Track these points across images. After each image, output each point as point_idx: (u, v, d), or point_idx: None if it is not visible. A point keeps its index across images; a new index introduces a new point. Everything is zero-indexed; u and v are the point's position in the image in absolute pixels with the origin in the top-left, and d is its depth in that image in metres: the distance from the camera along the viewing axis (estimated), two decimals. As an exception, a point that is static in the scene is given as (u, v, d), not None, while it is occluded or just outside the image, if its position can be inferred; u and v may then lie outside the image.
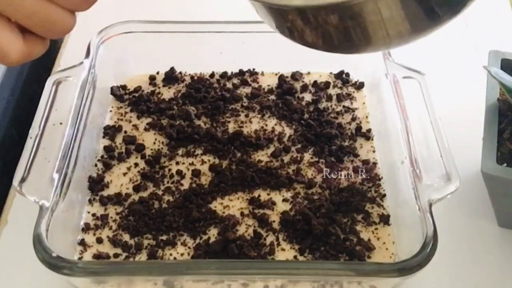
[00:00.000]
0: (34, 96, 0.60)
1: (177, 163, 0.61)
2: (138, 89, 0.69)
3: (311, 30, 0.40)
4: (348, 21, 0.39)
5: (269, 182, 0.59)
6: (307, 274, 0.47)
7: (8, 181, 0.53)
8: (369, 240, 0.55)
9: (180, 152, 0.62)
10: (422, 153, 0.53)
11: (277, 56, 0.68)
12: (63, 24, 0.38)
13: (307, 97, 0.68)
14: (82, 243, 0.54)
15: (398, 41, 0.41)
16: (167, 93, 0.69)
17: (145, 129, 0.65)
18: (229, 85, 0.70)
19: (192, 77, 0.70)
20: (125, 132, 0.64)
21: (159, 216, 0.56)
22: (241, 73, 0.71)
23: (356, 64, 0.69)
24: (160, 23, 0.67)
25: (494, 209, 0.58)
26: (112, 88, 0.68)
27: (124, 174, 0.60)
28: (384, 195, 0.58)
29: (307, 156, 0.62)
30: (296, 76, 0.70)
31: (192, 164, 0.61)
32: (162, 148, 0.63)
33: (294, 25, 0.41)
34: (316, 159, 0.61)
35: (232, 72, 0.71)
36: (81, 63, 0.61)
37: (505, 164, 0.53)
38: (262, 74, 0.71)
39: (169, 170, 0.60)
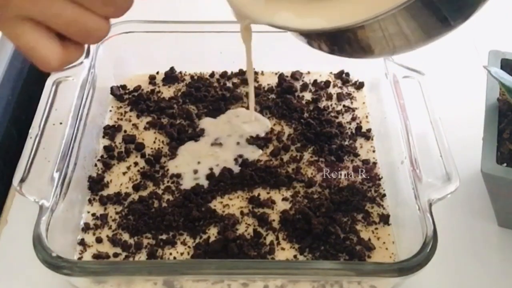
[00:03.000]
0: (34, 96, 0.60)
1: (177, 162, 0.61)
2: (137, 88, 0.69)
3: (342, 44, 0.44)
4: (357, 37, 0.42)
5: (268, 181, 0.59)
6: (307, 274, 0.47)
7: (8, 181, 0.53)
8: (369, 239, 0.55)
9: (180, 151, 0.62)
10: (422, 153, 0.53)
11: (277, 56, 0.68)
12: (99, 31, 0.39)
13: (307, 96, 0.68)
14: (82, 243, 0.54)
15: (405, 49, 0.43)
16: (167, 92, 0.69)
17: (145, 128, 0.65)
18: (229, 84, 0.70)
19: (192, 77, 0.70)
20: (125, 131, 0.64)
21: (158, 215, 0.56)
22: (241, 72, 0.71)
23: (356, 64, 0.69)
24: (160, 23, 0.67)
25: (494, 209, 0.58)
26: (112, 88, 0.68)
27: (124, 173, 0.60)
28: (384, 195, 0.58)
29: (306, 155, 0.62)
30: (296, 75, 0.70)
31: (192, 163, 0.61)
32: (162, 148, 0.63)
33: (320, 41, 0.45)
34: (316, 158, 0.61)
35: (232, 72, 0.71)
36: (81, 63, 0.61)
37: (505, 164, 0.53)
38: (262, 73, 0.71)
39: (169, 169, 0.60)
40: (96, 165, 0.61)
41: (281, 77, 0.69)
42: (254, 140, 0.63)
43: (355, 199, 0.57)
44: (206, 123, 0.65)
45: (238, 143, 0.63)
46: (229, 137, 0.63)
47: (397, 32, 0.42)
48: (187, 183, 0.59)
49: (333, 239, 0.54)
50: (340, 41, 0.44)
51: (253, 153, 0.62)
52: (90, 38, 0.40)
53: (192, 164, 0.61)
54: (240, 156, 0.61)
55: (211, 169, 0.60)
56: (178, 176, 0.59)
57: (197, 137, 0.63)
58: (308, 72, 0.71)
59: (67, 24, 0.38)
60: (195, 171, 0.60)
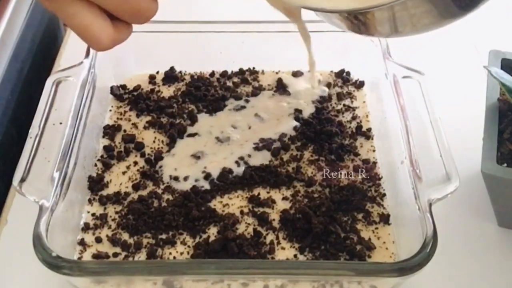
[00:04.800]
0: (34, 96, 0.60)
1: (177, 162, 0.61)
2: (137, 88, 0.69)
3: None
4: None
5: (268, 180, 0.59)
6: (307, 273, 0.47)
7: (8, 181, 0.53)
8: (369, 239, 0.55)
9: (180, 151, 0.62)
10: (422, 153, 0.53)
11: (277, 55, 0.68)
12: (148, 10, 0.41)
13: (307, 95, 0.68)
14: (82, 242, 0.54)
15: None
16: (167, 92, 0.69)
17: (145, 128, 0.65)
18: (229, 83, 0.70)
19: (192, 76, 0.70)
20: (125, 131, 0.64)
21: (158, 215, 0.56)
22: (241, 72, 0.71)
23: (357, 63, 0.69)
24: (160, 23, 0.66)
25: (494, 209, 0.58)
26: (112, 88, 0.68)
27: (124, 173, 0.60)
28: (384, 195, 0.58)
29: (307, 154, 0.62)
30: (296, 74, 0.70)
31: (192, 163, 0.61)
32: (162, 147, 0.63)
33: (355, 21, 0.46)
34: (316, 157, 0.61)
35: (232, 71, 0.71)
36: (81, 62, 0.61)
37: (505, 164, 0.53)
38: (263, 72, 0.71)
39: (164, 170, 0.60)
40: (96, 165, 0.61)
41: (279, 81, 0.69)
42: (262, 143, 0.63)
43: (356, 199, 0.57)
44: (205, 121, 0.65)
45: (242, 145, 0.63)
46: (228, 136, 0.64)
47: (425, 10, 0.43)
48: (186, 183, 0.59)
49: (333, 238, 0.54)
50: (372, 20, 0.45)
51: (257, 158, 0.61)
52: (140, 18, 0.41)
53: (191, 163, 0.61)
54: (241, 158, 0.61)
55: (205, 169, 0.60)
56: (177, 178, 0.59)
57: (195, 135, 0.63)
58: (309, 71, 0.71)
59: (118, 4, 0.39)
60: (195, 171, 0.60)
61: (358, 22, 0.46)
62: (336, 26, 0.48)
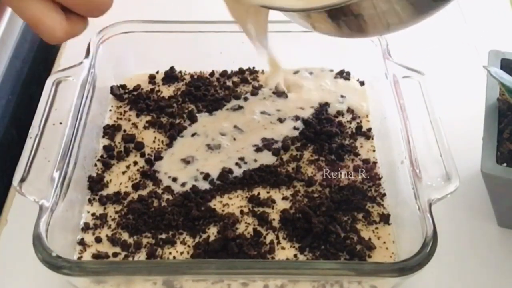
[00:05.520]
0: (34, 96, 0.60)
1: (177, 162, 0.61)
2: (137, 87, 0.69)
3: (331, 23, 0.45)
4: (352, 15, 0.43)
5: (268, 180, 0.59)
6: (307, 273, 0.47)
7: (8, 181, 0.53)
8: (369, 239, 0.55)
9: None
10: (422, 153, 0.53)
11: (277, 56, 0.68)
12: (102, 4, 0.41)
13: (307, 95, 0.68)
14: (82, 242, 0.54)
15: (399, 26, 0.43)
16: (167, 92, 0.69)
17: (144, 128, 0.65)
18: (229, 83, 0.70)
19: (192, 76, 0.70)
20: (124, 131, 0.64)
21: (158, 215, 0.56)
22: (241, 71, 0.71)
23: (357, 63, 0.69)
24: (160, 23, 0.67)
25: (494, 209, 0.58)
26: (111, 88, 0.68)
27: (123, 173, 0.60)
28: (384, 195, 0.58)
29: (307, 154, 0.62)
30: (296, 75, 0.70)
31: (191, 162, 0.61)
32: (162, 147, 0.63)
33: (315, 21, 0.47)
34: (316, 157, 0.61)
35: (232, 71, 0.71)
36: (81, 62, 0.61)
37: (505, 164, 0.53)
38: (263, 72, 0.71)
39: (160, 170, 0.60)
40: (96, 165, 0.61)
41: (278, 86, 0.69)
42: (263, 143, 0.62)
43: (356, 199, 0.57)
44: (205, 120, 0.65)
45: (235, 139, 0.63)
46: (227, 135, 0.63)
47: (391, 8, 0.42)
48: (186, 183, 0.59)
49: (334, 238, 0.54)
50: (336, 18, 0.45)
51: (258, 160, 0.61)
52: (94, 11, 0.41)
53: (181, 167, 0.60)
54: (242, 158, 0.61)
55: (206, 170, 0.60)
56: (175, 179, 0.59)
57: (194, 135, 0.63)
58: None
59: None
60: (187, 174, 0.60)
61: (323, 22, 0.46)
62: (302, 26, 0.48)
